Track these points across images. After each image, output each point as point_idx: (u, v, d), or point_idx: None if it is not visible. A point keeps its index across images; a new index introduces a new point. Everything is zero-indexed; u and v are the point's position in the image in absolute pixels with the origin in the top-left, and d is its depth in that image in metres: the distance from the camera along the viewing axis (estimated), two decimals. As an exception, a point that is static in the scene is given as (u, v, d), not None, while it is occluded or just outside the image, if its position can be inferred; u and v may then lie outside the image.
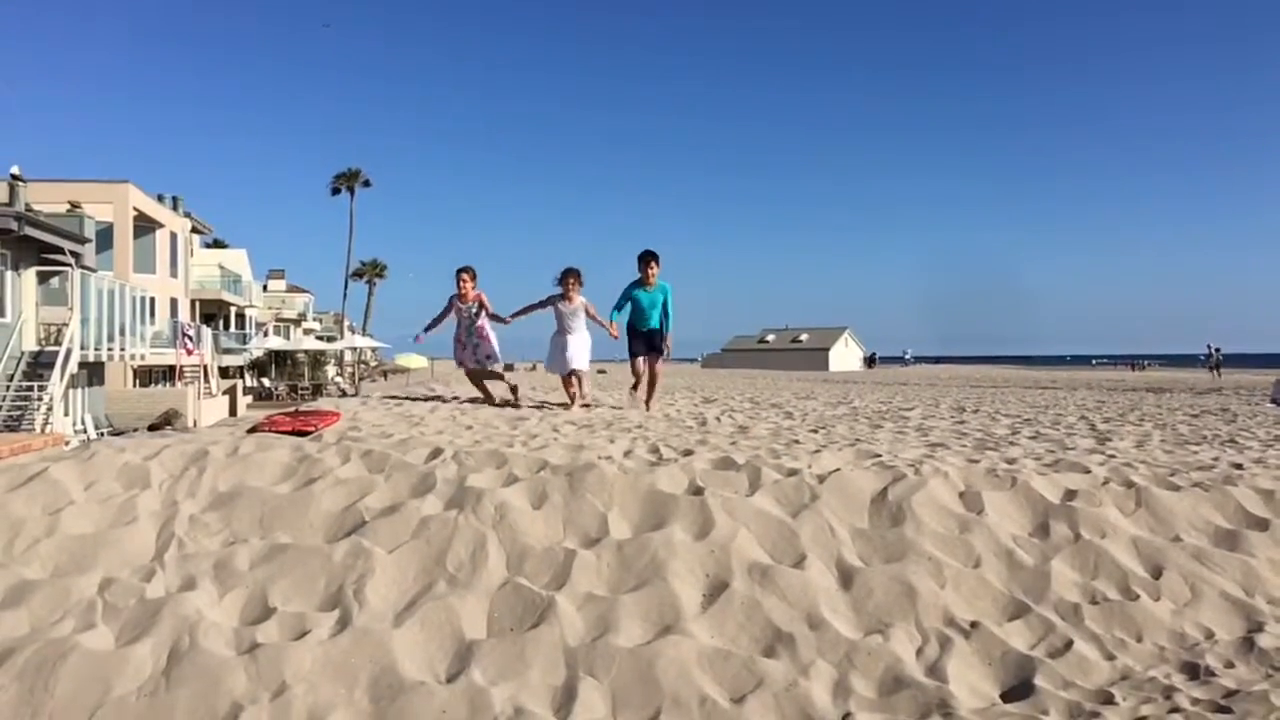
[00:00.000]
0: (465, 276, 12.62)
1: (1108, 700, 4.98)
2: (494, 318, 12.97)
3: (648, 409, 12.50)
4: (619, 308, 12.37)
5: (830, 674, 5.29)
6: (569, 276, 12.22)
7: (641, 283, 12.18)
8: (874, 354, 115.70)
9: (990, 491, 7.41)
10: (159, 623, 5.37)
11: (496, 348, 13.05)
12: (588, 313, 12.46)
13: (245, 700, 4.75)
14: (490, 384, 13.63)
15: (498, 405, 12.49)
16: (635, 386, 13.08)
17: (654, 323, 12.35)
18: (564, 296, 12.22)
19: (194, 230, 52.41)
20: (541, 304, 12.44)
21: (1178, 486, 7.73)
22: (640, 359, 12.53)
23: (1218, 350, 52.16)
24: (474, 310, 12.75)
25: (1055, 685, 5.18)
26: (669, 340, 12.49)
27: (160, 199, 47.03)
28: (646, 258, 12.03)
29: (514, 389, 13.48)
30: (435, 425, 11.18)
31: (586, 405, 12.99)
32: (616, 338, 12.42)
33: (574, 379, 12.69)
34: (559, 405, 12.91)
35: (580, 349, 12.51)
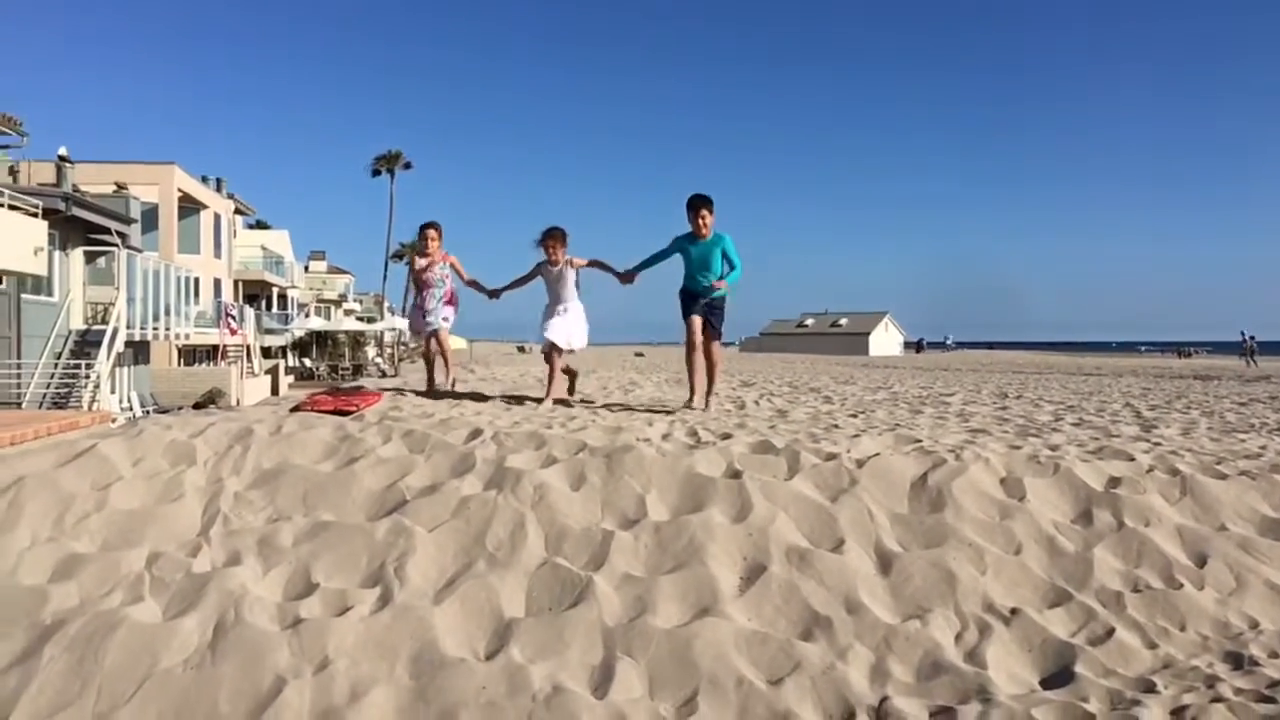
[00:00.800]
0: (434, 232, 10.68)
1: (1149, 689, 4.94)
2: (477, 287, 10.92)
3: (706, 406, 10.37)
4: (656, 258, 9.94)
5: (868, 658, 5.29)
6: (549, 237, 10.04)
7: (693, 235, 9.63)
8: (921, 340, 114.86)
9: (1032, 478, 7.35)
10: (205, 597, 5.47)
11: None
12: (573, 266, 10.15)
13: (289, 674, 4.82)
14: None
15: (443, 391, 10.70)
16: (692, 362, 10.05)
17: (709, 277, 9.72)
18: (548, 261, 10.12)
19: (237, 211, 52.95)
20: (529, 275, 10.33)
21: (1224, 475, 7.62)
22: (696, 319, 9.80)
23: (1253, 338, 51.34)
24: (443, 271, 10.85)
25: (1096, 673, 5.14)
26: (722, 285, 9.74)
27: (204, 181, 47.52)
28: (696, 204, 9.49)
29: (571, 376, 11.42)
30: (475, 406, 11.25)
31: (562, 400, 10.84)
32: (629, 283, 10.11)
33: (555, 353, 10.40)
34: (533, 400, 10.65)
35: (564, 322, 10.22)
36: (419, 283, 10.38)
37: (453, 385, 10.28)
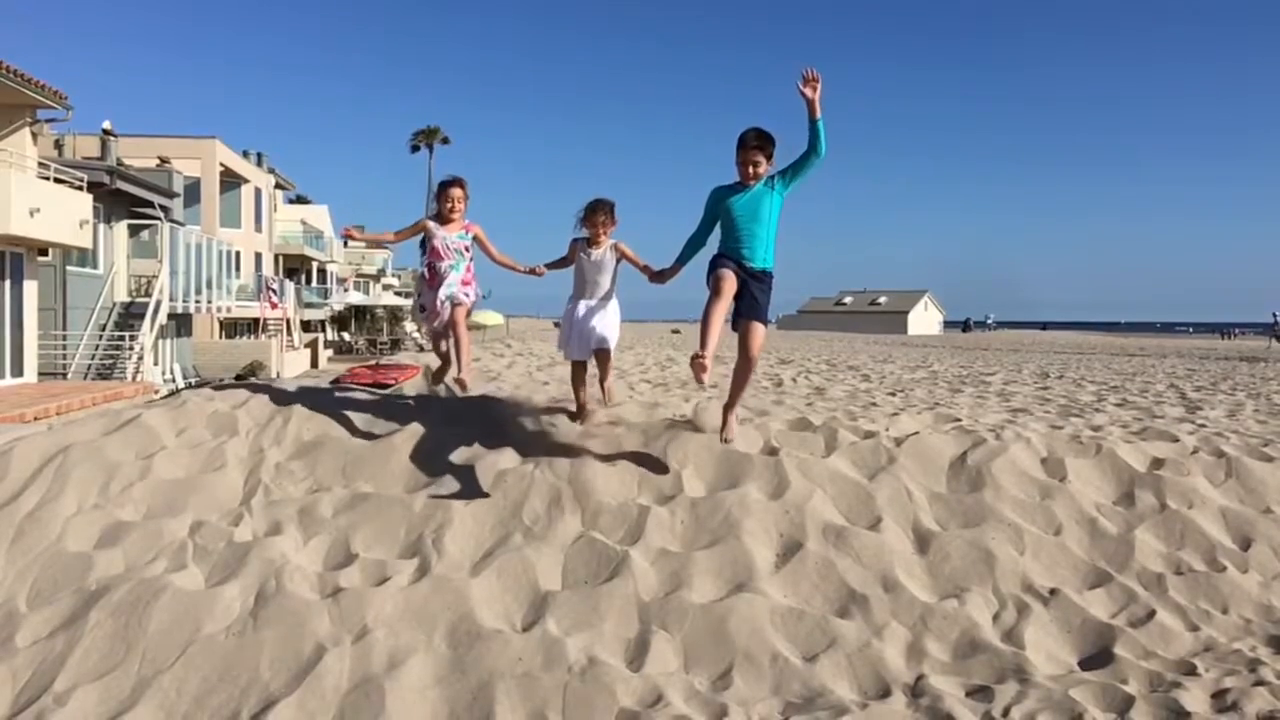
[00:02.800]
0: (460, 192, 7.54)
1: (1190, 671, 4.89)
2: (497, 259, 7.82)
3: (725, 428, 7.00)
4: (694, 242, 6.90)
5: (904, 636, 5.27)
6: (596, 211, 7.22)
7: (739, 184, 6.51)
8: (969, 319, 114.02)
9: (1074, 459, 7.27)
10: (247, 565, 5.54)
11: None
12: (623, 256, 7.40)
13: (329, 642, 4.88)
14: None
15: (455, 387, 7.66)
16: (720, 297, 6.29)
17: (755, 255, 6.48)
18: (589, 241, 7.34)
19: (278, 186, 53.34)
20: (567, 258, 7.51)
21: (1271, 457, 7.50)
22: (728, 273, 6.38)
23: None
24: (466, 240, 7.51)
25: (1135, 655, 5.10)
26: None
27: (245, 155, 47.90)
28: (750, 143, 6.39)
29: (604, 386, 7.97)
30: (512, 380, 11.30)
31: (610, 419, 7.75)
32: (662, 281, 7.26)
33: (583, 367, 7.59)
34: (563, 411, 7.86)
35: (598, 321, 7.34)
36: (432, 254, 7.36)
37: (463, 385, 7.24)
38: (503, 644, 4.96)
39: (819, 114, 6.22)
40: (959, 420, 8.85)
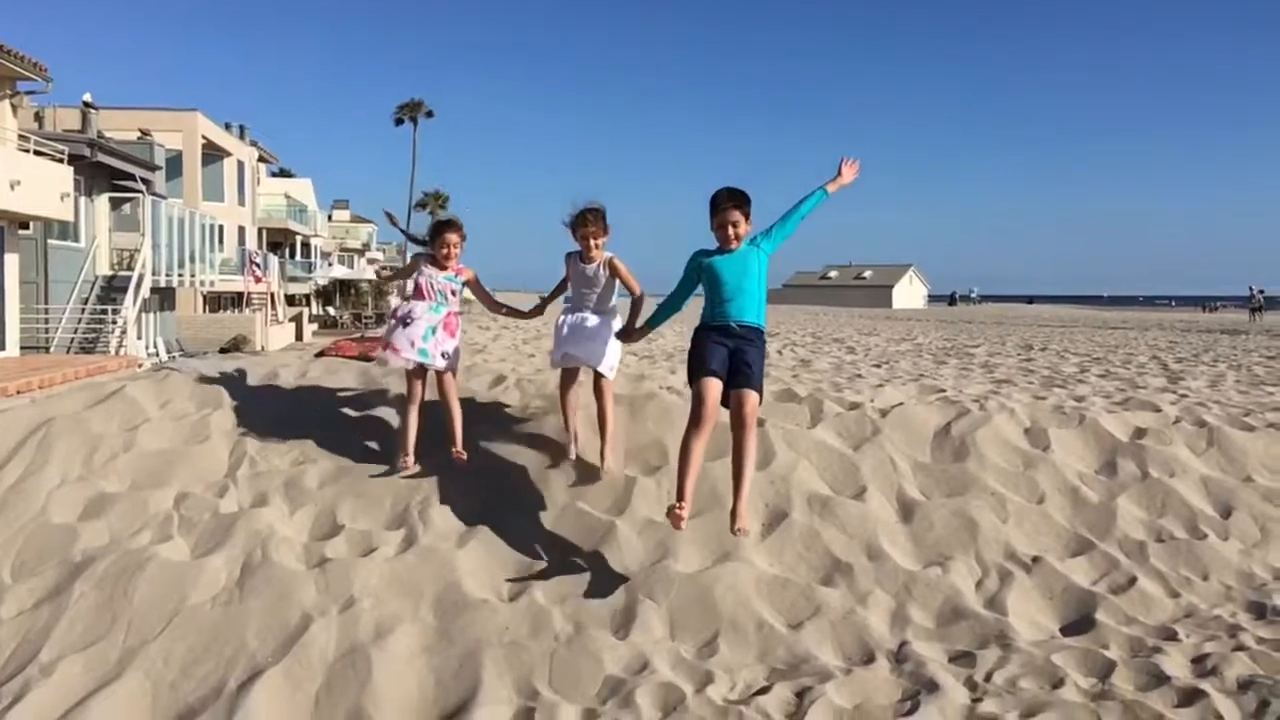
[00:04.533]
0: (457, 236, 6.68)
1: (1170, 636, 4.94)
2: (494, 306, 7.06)
3: (736, 511, 5.18)
4: (669, 307, 6.09)
5: (888, 604, 5.32)
6: (585, 222, 6.35)
7: (719, 247, 5.71)
8: (955, 293, 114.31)
9: (1057, 428, 7.31)
10: (232, 536, 5.54)
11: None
12: (616, 275, 6.51)
13: (315, 612, 4.89)
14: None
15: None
16: (701, 425, 5.26)
17: (746, 312, 5.58)
18: (580, 254, 6.50)
19: (260, 159, 52.85)
20: (563, 283, 6.78)
21: (1252, 427, 7.56)
22: (713, 383, 5.37)
23: (1261, 293, 50.82)
24: (455, 282, 6.67)
25: (1117, 620, 5.15)
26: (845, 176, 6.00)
27: (228, 128, 47.43)
28: (723, 204, 5.61)
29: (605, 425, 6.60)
30: (498, 353, 11.29)
31: (606, 458, 6.47)
32: (628, 340, 6.49)
33: (573, 384, 6.69)
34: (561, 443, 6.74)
35: (591, 334, 6.49)
36: (415, 293, 6.57)
37: (462, 458, 6.33)
38: (490, 613, 4.98)
39: (834, 191, 5.97)
40: (943, 391, 8.89)
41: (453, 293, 6.65)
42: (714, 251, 5.74)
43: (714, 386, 5.32)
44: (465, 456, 6.34)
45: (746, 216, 5.65)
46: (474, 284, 6.80)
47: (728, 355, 5.43)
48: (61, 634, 4.75)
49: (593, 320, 6.51)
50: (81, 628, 4.80)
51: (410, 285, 6.69)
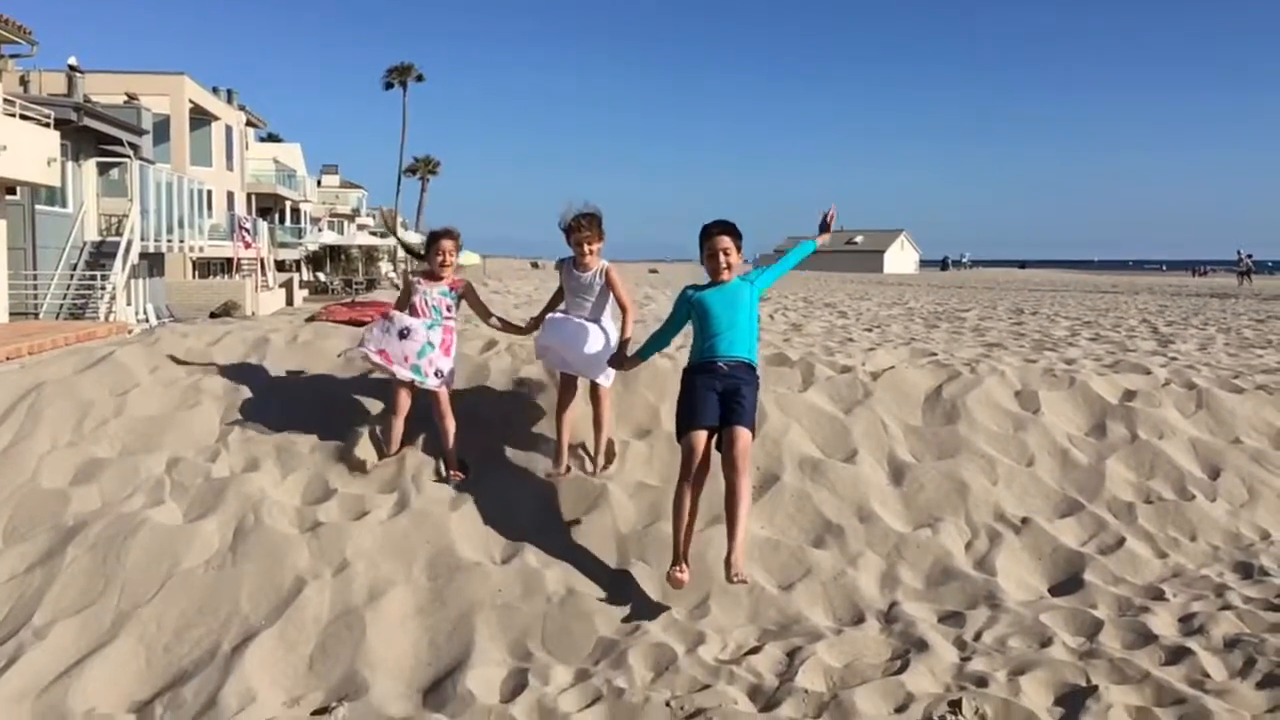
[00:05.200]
0: (452, 244, 6.44)
1: (1158, 596, 4.99)
2: (487, 316, 6.56)
3: (730, 559, 4.79)
4: (658, 341, 5.98)
5: (878, 565, 5.35)
6: (580, 228, 6.06)
7: (711, 283, 5.56)
8: (946, 257, 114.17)
9: (1047, 391, 7.34)
10: (224, 500, 5.54)
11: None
12: (610, 286, 6.18)
13: (308, 575, 4.91)
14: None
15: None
16: (691, 478, 5.09)
17: (735, 347, 5.33)
18: (574, 261, 6.18)
19: (249, 124, 52.39)
20: (558, 294, 6.48)
21: (1241, 389, 7.59)
22: (701, 435, 5.14)
23: (1249, 257, 50.90)
24: (449, 297, 6.38)
25: (1105, 580, 5.19)
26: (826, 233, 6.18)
27: (215, 92, 46.97)
28: (713, 235, 5.47)
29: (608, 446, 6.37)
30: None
31: (598, 460, 6.24)
32: (620, 368, 6.17)
33: (571, 399, 6.22)
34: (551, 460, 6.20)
35: (586, 338, 6.08)
36: (410, 311, 6.27)
37: (454, 476, 6.03)
38: (482, 576, 5.00)
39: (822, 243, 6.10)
40: (934, 355, 8.91)
41: (448, 308, 6.37)
42: (704, 286, 5.58)
43: (702, 439, 5.09)
44: (461, 477, 6.01)
45: (738, 247, 5.50)
46: (469, 293, 6.51)
47: (717, 400, 5.16)
48: (54, 598, 4.76)
49: (584, 328, 6.11)
50: (74, 592, 4.81)
51: (406, 306, 6.37)
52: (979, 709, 3.78)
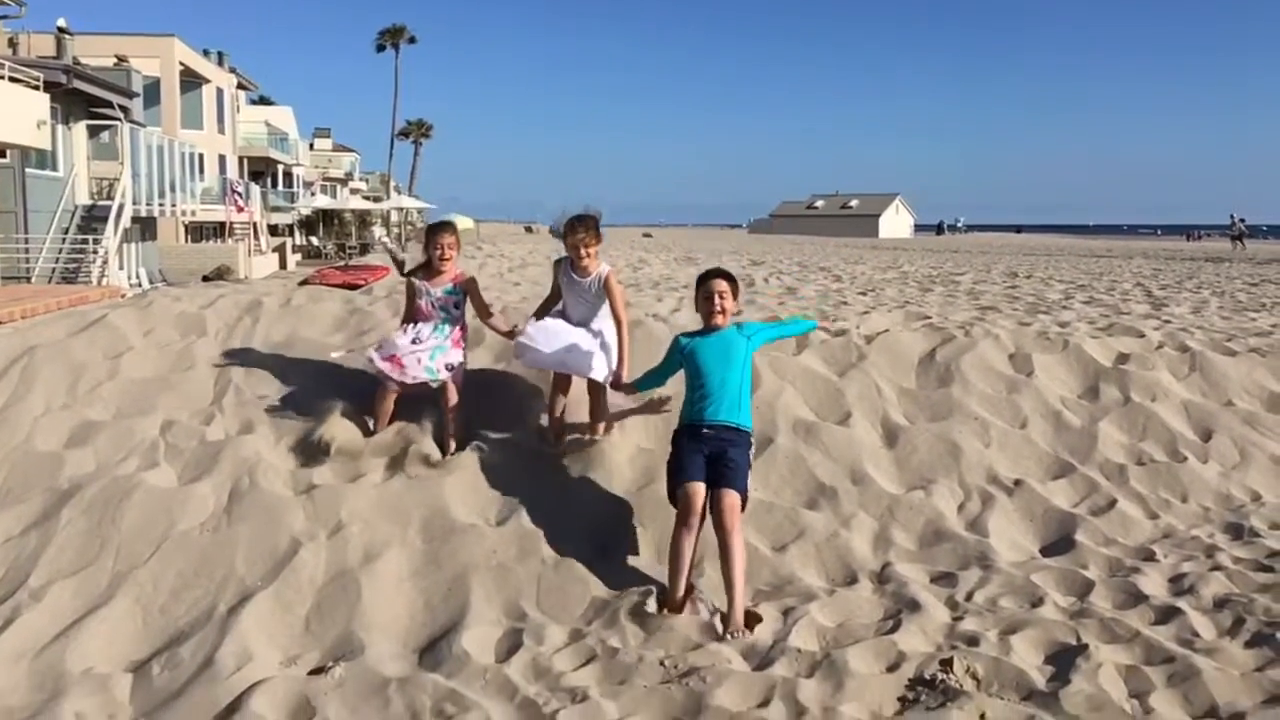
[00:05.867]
0: (451, 239, 6.27)
1: (1148, 557, 5.02)
2: (485, 314, 6.37)
3: (730, 616, 4.46)
4: (655, 377, 5.72)
5: (871, 526, 5.38)
6: (576, 230, 5.82)
7: (704, 329, 5.34)
8: (942, 222, 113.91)
9: (1040, 354, 7.35)
10: (219, 463, 5.54)
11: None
12: (608, 295, 5.90)
13: (304, 537, 4.93)
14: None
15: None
16: (689, 527, 4.72)
17: (724, 413, 5.04)
18: (571, 264, 5.94)
19: (240, 87, 51.93)
20: (553, 295, 6.28)
21: (1234, 352, 7.61)
22: (695, 486, 4.83)
23: (1242, 221, 50.90)
24: (455, 295, 6.20)
25: (1096, 541, 5.23)
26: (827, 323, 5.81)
27: (206, 54, 46.53)
28: (711, 275, 5.36)
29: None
30: (483, 281, 11.22)
31: (593, 430, 6.08)
32: (618, 389, 5.88)
33: (564, 395, 6.11)
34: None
35: (585, 339, 5.90)
36: (418, 314, 6.17)
37: (453, 448, 5.91)
38: (477, 537, 5.02)
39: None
40: (929, 318, 8.92)
41: (455, 305, 6.18)
42: (697, 333, 5.36)
43: (696, 489, 4.81)
44: (455, 446, 5.89)
45: (735, 293, 5.35)
46: (471, 287, 6.29)
47: (704, 461, 4.91)
48: (50, 560, 4.77)
49: (587, 332, 5.90)
50: (70, 553, 4.82)
51: (410, 309, 6.24)
52: (970, 667, 3.81)
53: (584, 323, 5.98)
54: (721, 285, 5.25)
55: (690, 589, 4.66)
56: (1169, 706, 3.57)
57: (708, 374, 5.13)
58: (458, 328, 6.18)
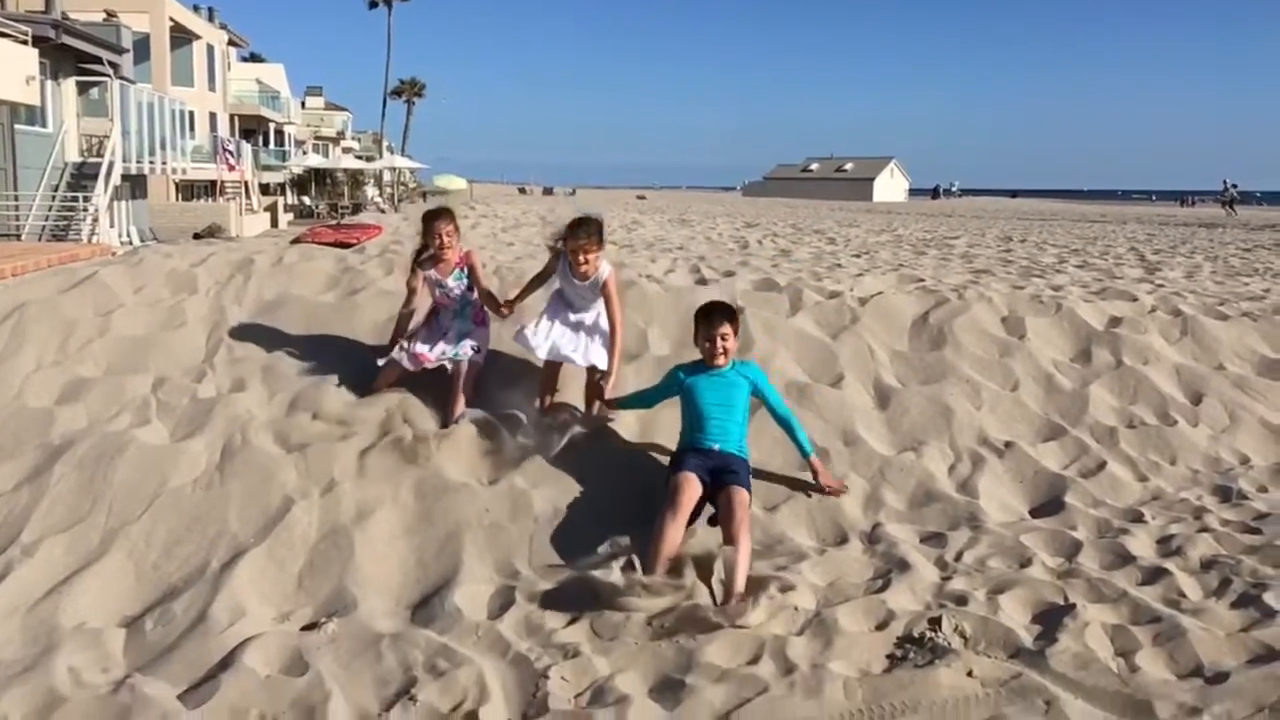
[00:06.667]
0: (450, 225, 6.14)
1: (1137, 519, 5.05)
2: (489, 301, 6.16)
3: (729, 592, 4.14)
4: (645, 398, 5.66)
5: (862, 487, 5.40)
6: (577, 235, 5.63)
7: (700, 364, 5.27)
8: (938, 186, 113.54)
9: (1033, 317, 7.36)
10: (211, 421, 5.54)
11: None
12: (606, 300, 5.77)
13: (296, 494, 4.93)
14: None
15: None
16: (677, 511, 4.57)
17: (728, 440, 5.02)
18: (570, 266, 5.70)
19: (230, 43, 51.40)
20: (543, 275, 6.03)
21: (1226, 316, 7.63)
22: (690, 476, 4.75)
23: (1234, 186, 50.92)
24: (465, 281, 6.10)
25: (1085, 503, 5.25)
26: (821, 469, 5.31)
27: (196, 10, 46.03)
28: (711, 317, 5.21)
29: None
30: (476, 241, 11.20)
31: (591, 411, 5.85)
32: (609, 406, 5.75)
33: (554, 377, 5.98)
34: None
35: (581, 335, 5.79)
36: (439, 303, 6.16)
37: (458, 412, 5.78)
38: (470, 496, 5.03)
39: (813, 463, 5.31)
40: (922, 281, 8.92)
41: (469, 288, 6.08)
42: (698, 369, 5.23)
43: (689, 478, 4.71)
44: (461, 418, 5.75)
45: (736, 333, 5.27)
46: (474, 267, 6.14)
47: (707, 472, 4.82)
48: (42, 515, 4.77)
49: (588, 326, 5.81)
50: (62, 509, 4.82)
51: (426, 302, 6.21)
52: (958, 626, 3.84)
53: (581, 315, 5.84)
54: (725, 329, 5.14)
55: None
56: (1155, 665, 3.60)
57: (707, 416, 5.06)
58: (476, 308, 6.13)
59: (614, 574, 4.20)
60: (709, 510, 4.84)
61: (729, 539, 4.45)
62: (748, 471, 4.99)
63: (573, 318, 5.82)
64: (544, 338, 5.72)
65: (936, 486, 5.39)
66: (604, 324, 5.82)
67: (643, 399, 5.68)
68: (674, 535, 4.48)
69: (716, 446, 4.97)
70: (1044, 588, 4.19)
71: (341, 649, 3.78)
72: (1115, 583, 4.24)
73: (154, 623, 4.07)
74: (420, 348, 5.93)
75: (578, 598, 4.20)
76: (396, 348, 6.04)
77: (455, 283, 6.09)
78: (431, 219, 6.16)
